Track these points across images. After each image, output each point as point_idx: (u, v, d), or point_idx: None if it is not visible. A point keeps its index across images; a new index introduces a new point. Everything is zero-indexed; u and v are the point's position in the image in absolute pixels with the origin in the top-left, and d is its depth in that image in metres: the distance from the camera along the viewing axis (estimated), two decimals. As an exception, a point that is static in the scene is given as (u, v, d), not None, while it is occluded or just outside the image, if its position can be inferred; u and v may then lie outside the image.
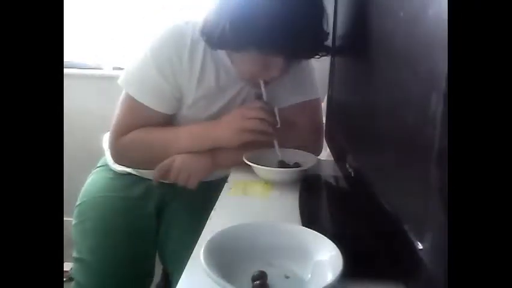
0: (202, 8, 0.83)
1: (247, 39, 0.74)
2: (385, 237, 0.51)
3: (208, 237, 0.51)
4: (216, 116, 0.89)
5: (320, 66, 0.95)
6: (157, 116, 0.87)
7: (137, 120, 0.87)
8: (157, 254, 0.99)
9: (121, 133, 0.88)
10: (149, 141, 0.88)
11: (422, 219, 0.39)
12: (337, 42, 0.85)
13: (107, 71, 1.67)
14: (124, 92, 0.88)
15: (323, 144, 1.00)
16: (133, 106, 0.86)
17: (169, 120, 0.90)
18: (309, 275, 0.50)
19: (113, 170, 1.03)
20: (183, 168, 0.85)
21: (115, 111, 0.90)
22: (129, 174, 1.01)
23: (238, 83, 0.90)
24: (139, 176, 1.01)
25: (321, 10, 0.78)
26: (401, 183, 0.47)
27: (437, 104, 0.35)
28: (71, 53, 1.65)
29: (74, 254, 0.90)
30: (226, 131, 0.83)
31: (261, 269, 0.50)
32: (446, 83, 0.32)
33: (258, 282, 0.48)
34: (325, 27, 0.79)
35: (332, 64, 0.93)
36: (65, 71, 0.45)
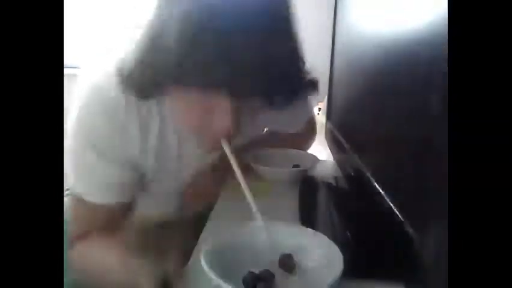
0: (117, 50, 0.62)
1: (181, 77, 0.51)
2: (385, 237, 0.51)
3: (208, 238, 0.51)
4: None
5: (319, 67, 0.95)
6: (116, 210, 0.66)
7: (98, 223, 0.65)
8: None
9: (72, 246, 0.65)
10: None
11: (422, 219, 0.40)
12: (337, 43, 0.85)
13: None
14: (71, 204, 0.66)
15: (315, 136, 1.01)
16: (82, 209, 0.65)
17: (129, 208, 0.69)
18: (310, 274, 0.50)
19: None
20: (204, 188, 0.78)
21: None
22: None
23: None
24: None
25: (291, 38, 0.54)
26: (401, 183, 0.47)
27: (437, 104, 0.35)
28: (71, 53, 1.65)
29: None
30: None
31: (265, 268, 0.50)
32: (446, 84, 0.32)
33: (263, 283, 0.48)
34: (295, 64, 0.56)
35: (332, 64, 0.93)
36: (65, 71, 0.45)
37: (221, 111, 0.54)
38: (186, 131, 0.64)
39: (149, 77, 0.54)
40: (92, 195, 0.63)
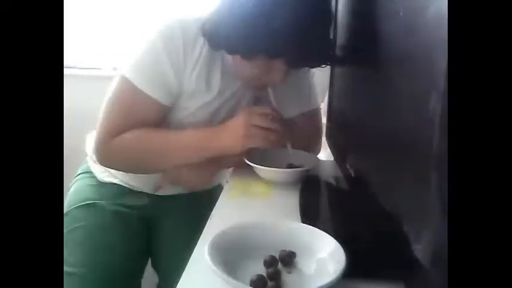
0: (202, 8, 0.82)
1: (254, 44, 0.72)
2: (385, 237, 0.51)
3: (209, 237, 0.51)
4: (214, 119, 0.87)
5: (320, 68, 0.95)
6: (154, 112, 0.81)
7: (131, 116, 0.81)
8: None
9: (111, 133, 0.81)
10: (145, 144, 0.81)
11: (422, 219, 0.40)
12: (338, 44, 0.85)
13: (107, 71, 1.67)
14: (117, 85, 0.81)
15: (321, 147, 1.02)
16: (130, 99, 0.80)
17: (163, 122, 0.85)
18: (312, 271, 0.50)
19: (97, 178, 0.97)
20: (192, 172, 0.85)
21: (101, 110, 0.83)
22: (115, 184, 0.96)
23: (239, 86, 0.88)
24: (125, 187, 0.97)
25: (329, 19, 0.77)
26: (400, 184, 0.47)
27: (436, 105, 0.35)
28: (71, 53, 1.65)
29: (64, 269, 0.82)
30: (229, 139, 0.78)
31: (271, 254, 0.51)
32: (446, 84, 0.32)
33: (271, 269, 0.49)
34: (331, 36, 0.79)
35: (333, 65, 0.93)
36: (65, 71, 0.45)
37: (277, 71, 0.77)
38: (238, 77, 0.84)
39: (229, 38, 0.74)
40: (144, 85, 0.79)
